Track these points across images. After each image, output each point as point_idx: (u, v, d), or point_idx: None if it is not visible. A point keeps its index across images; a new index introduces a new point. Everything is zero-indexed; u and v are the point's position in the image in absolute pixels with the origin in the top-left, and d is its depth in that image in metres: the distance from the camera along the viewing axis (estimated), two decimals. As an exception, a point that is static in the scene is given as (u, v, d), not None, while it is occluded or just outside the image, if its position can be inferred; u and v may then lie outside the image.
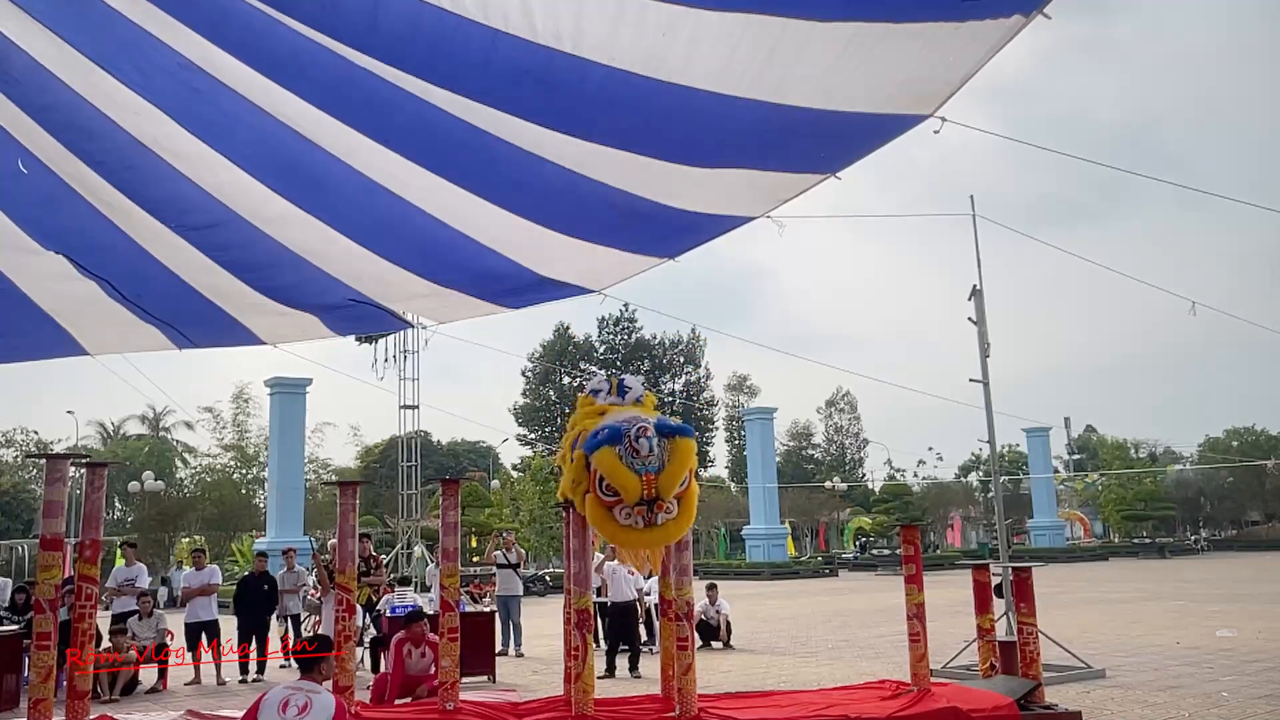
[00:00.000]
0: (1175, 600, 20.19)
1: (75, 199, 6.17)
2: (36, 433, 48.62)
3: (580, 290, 7.14)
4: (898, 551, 12.43)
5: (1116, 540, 55.27)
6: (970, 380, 11.58)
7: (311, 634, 11.73)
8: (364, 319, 7.70)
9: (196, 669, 11.87)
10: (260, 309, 7.37)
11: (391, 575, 15.57)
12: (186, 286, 7.02)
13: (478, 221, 6.16)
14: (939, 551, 47.09)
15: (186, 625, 12.11)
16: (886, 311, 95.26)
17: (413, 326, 8.23)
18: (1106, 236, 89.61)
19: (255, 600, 12.17)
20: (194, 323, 7.61)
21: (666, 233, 6.22)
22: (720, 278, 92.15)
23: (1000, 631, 8.98)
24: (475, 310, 7.55)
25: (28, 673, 7.34)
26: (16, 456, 47.77)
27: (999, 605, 9.55)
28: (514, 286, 7.00)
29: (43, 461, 7.52)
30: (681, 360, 66.65)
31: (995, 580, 9.89)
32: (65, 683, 7.75)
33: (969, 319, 11.57)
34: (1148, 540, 52.61)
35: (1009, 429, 48.57)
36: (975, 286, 11.59)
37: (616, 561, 12.27)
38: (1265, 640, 12.70)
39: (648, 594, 13.09)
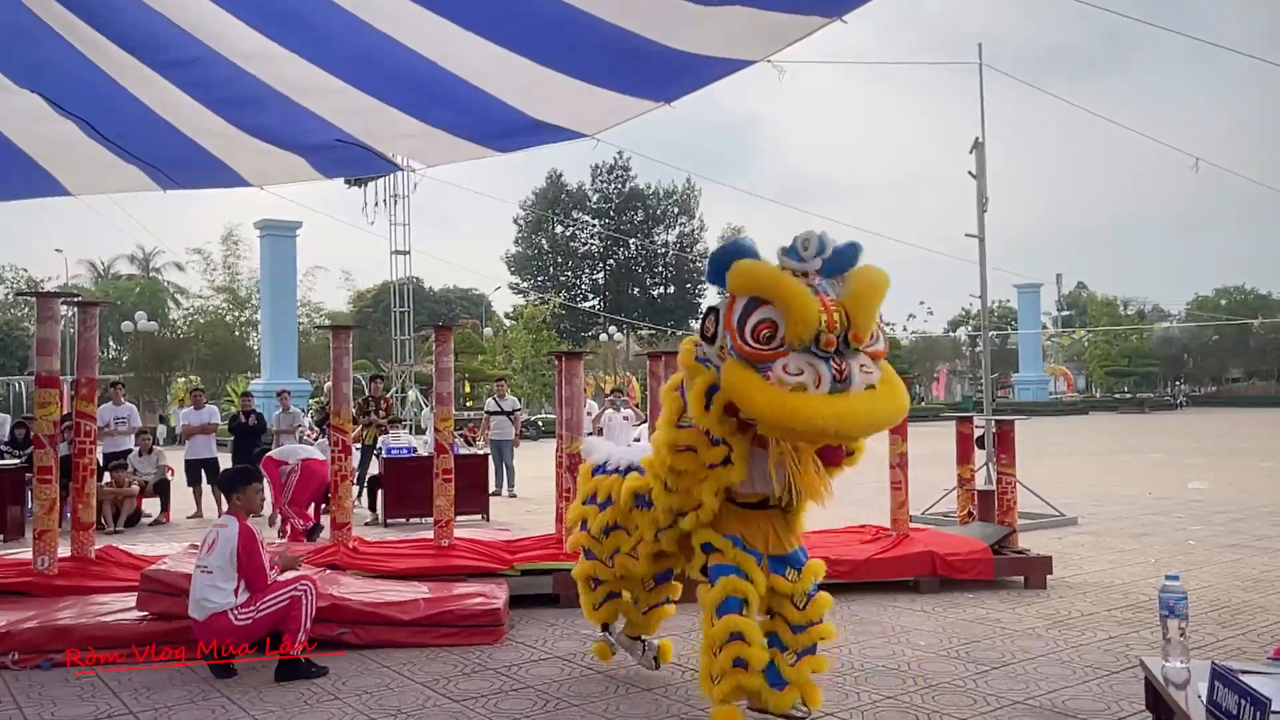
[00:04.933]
0: (1151, 454, 20.75)
1: (49, 34, 5.91)
2: (26, 270, 48.39)
3: (573, 134, 6.95)
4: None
5: (1098, 395, 56.27)
6: (967, 235, 11.52)
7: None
8: (352, 160, 7.52)
9: (198, 503, 12.24)
10: (245, 149, 7.19)
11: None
12: (168, 125, 6.82)
13: (468, 58, 5.93)
14: (924, 404, 47.97)
15: (186, 462, 12.43)
16: (885, 163, 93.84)
17: (401, 169, 8.06)
18: (1114, 91, 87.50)
19: (246, 437, 12.46)
20: (177, 163, 7.43)
21: (663, 75, 6.01)
22: (717, 127, 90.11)
23: (980, 481, 9.25)
24: (465, 153, 7.37)
25: (31, 504, 7.53)
26: (7, 294, 47.68)
27: (980, 456, 9.81)
28: (504, 128, 6.81)
29: (34, 299, 7.51)
30: (675, 211, 65.92)
31: (978, 433, 10.13)
32: (70, 515, 7.99)
33: (969, 172, 11.39)
34: (1129, 395, 53.60)
35: (1001, 284, 48.72)
36: (977, 139, 11.37)
37: (612, 410, 12.55)
38: (1234, 492, 13.14)
39: (637, 440, 13.42)
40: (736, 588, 3.95)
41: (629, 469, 4.66)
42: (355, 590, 6.14)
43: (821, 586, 4.21)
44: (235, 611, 4.99)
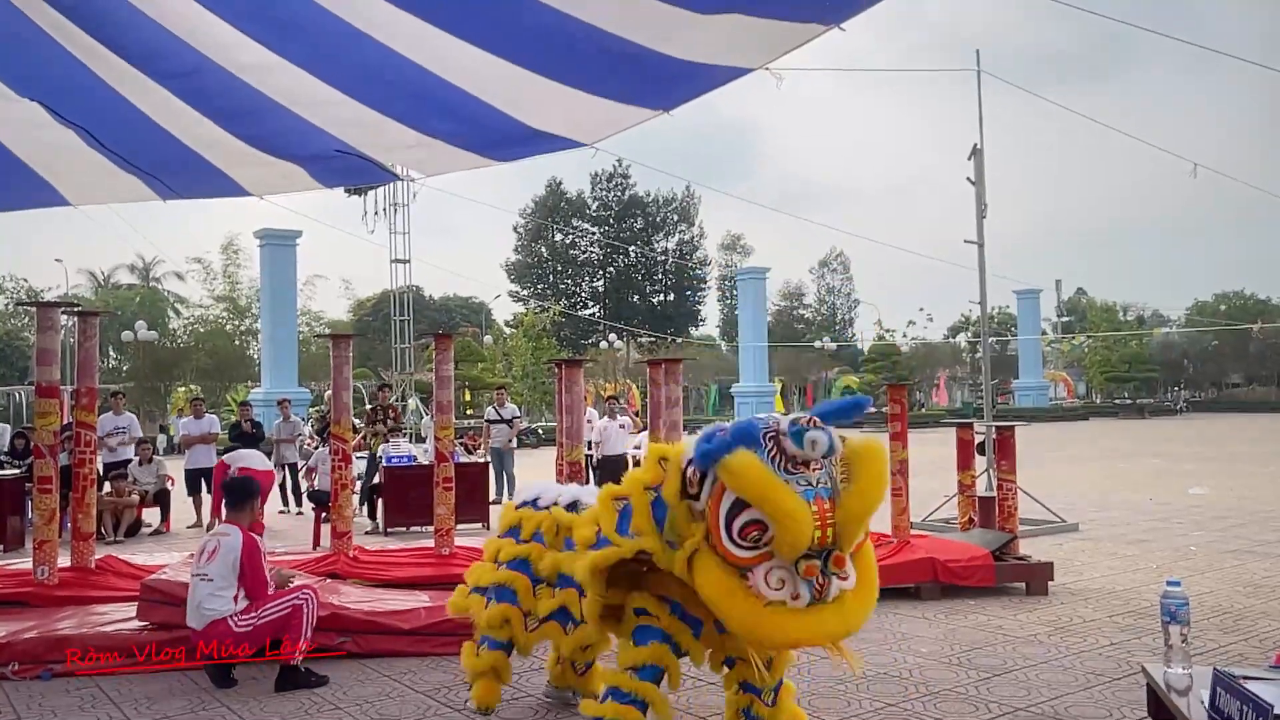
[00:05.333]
0: (1151, 459, 20.73)
1: (49, 42, 5.92)
2: (26, 280, 48.39)
3: (571, 143, 6.96)
4: (884, 410, 12.62)
5: (1098, 401, 56.25)
6: (966, 241, 11.53)
7: (308, 487, 12.01)
8: (351, 170, 7.53)
9: (198, 513, 12.23)
10: (245, 159, 7.20)
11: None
12: (168, 135, 6.83)
13: (466, 68, 5.94)
14: (924, 410, 47.97)
15: (186, 472, 12.42)
16: (884, 168, 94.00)
17: (400, 179, 8.06)
18: (1112, 97, 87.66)
19: (245, 446, 12.39)
20: (177, 172, 7.44)
21: (661, 83, 6.02)
22: (716, 134, 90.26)
23: (980, 487, 9.25)
24: (464, 162, 7.38)
25: (31, 515, 7.53)
26: (7, 304, 47.67)
27: (980, 462, 9.80)
28: (503, 138, 6.81)
29: (34, 309, 7.51)
30: (675, 218, 66.01)
31: (979, 439, 10.12)
32: (70, 525, 7.98)
33: (968, 179, 11.42)
34: (1129, 401, 53.57)
35: (1000, 290, 48.72)
36: (976, 145, 11.39)
37: (609, 419, 12.57)
38: (1235, 497, 13.12)
39: (637, 448, 13.43)
40: (663, 658, 3.77)
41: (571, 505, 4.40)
42: (356, 599, 6.13)
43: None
44: (235, 618, 4.99)
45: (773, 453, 3.32)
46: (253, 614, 5.01)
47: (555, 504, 4.48)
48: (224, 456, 10.84)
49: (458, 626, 5.74)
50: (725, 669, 4.01)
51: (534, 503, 4.60)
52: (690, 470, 3.51)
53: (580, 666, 4.66)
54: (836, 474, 3.39)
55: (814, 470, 3.34)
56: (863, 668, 3.59)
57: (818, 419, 3.40)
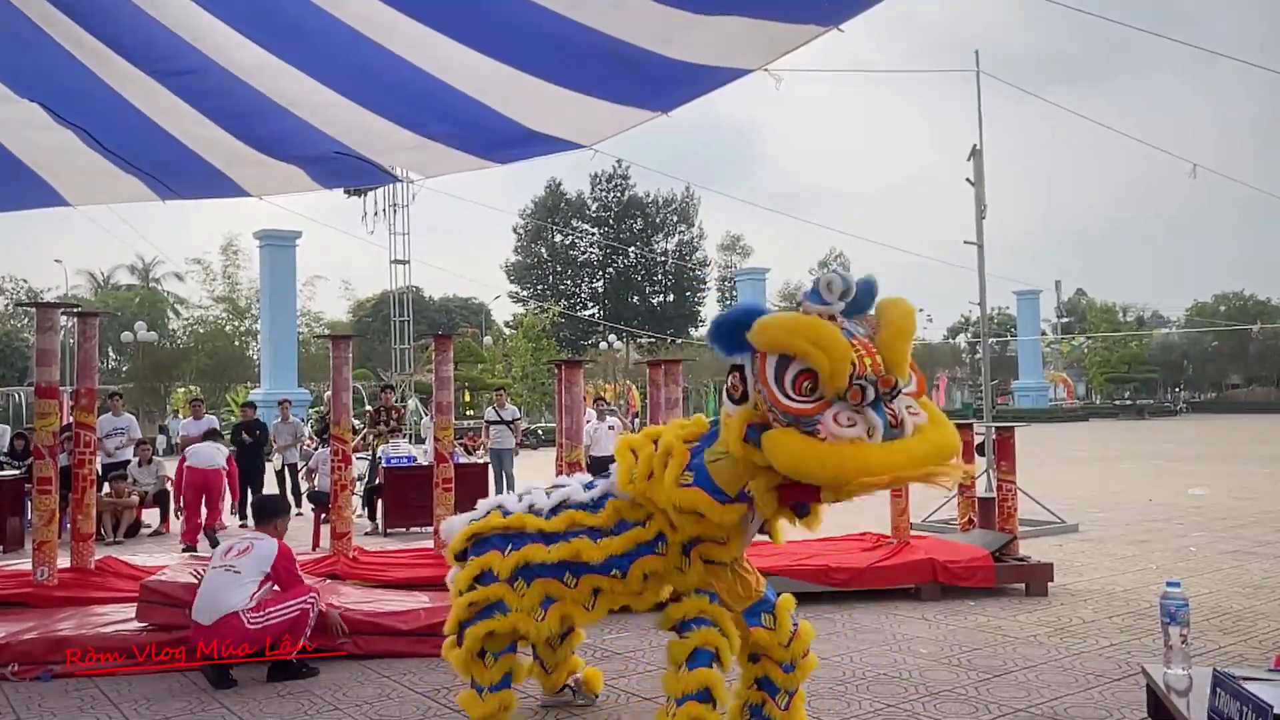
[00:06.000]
0: (1151, 460, 20.74)
1: (48, 43, 5.92)
2: (26, 281, 48.40)
3: (571, 145, 6.96)
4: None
5: (1098, 402, 56.25)
6: (965, 242, 11.53)
7: (308, 488, 12.01)
8: (350, 171, 7.54)
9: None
10: (244, 160, 7.20)
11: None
12: (167, 135, 6.83)
13: (465, 71, 5.94)
14: (924, 411, 47.82)
15: (186, 472, 12.39)
16: (883, 170, 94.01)
17: (400, 180, 8.07)
18: (1111, 98, 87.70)
19: (249, 448, 12.41)
20: (176, 173, 7.45)
21: (660, 84, 6.02)
22: (715, 135, 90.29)
23: (980, 488, 9.25)
24: (463, 164, 7.39)
25: (31, 515, 7.53)
26: (7, 305, 47.68)
27: (980, 463, 9.81)
28: (502, 140, 6.82)
29: (33, 310, 7.51)
30: (675, 219, 65.97)
31: (978, 440, 10.12)
32: (69, 525, 7.98)
33: (967, 179, 11.42)
34: (1128, 402, 53.57)
35: (1000, 291, 48.75)
36: (975, 146, 11.40)
37: (597, 420, 12.57)
38: (1235, 498, 13.12)
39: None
40: (709, 640, 3.77)
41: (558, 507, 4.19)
42: (356, 600, 6.13)
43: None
44: (247, 614, 5.01)
45: (806, 299, 3.40)
46: (262, 613, 5.04)
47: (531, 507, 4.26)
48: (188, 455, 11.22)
49: None
50: (749, 662, 3.99)
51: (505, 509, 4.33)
52: (731, 379, 3.54)
53: (551, 666, 4.65)
54: (869, 325, 3.39)
55: (840, 322, 3.33)
56: (959, 478, 3.50)
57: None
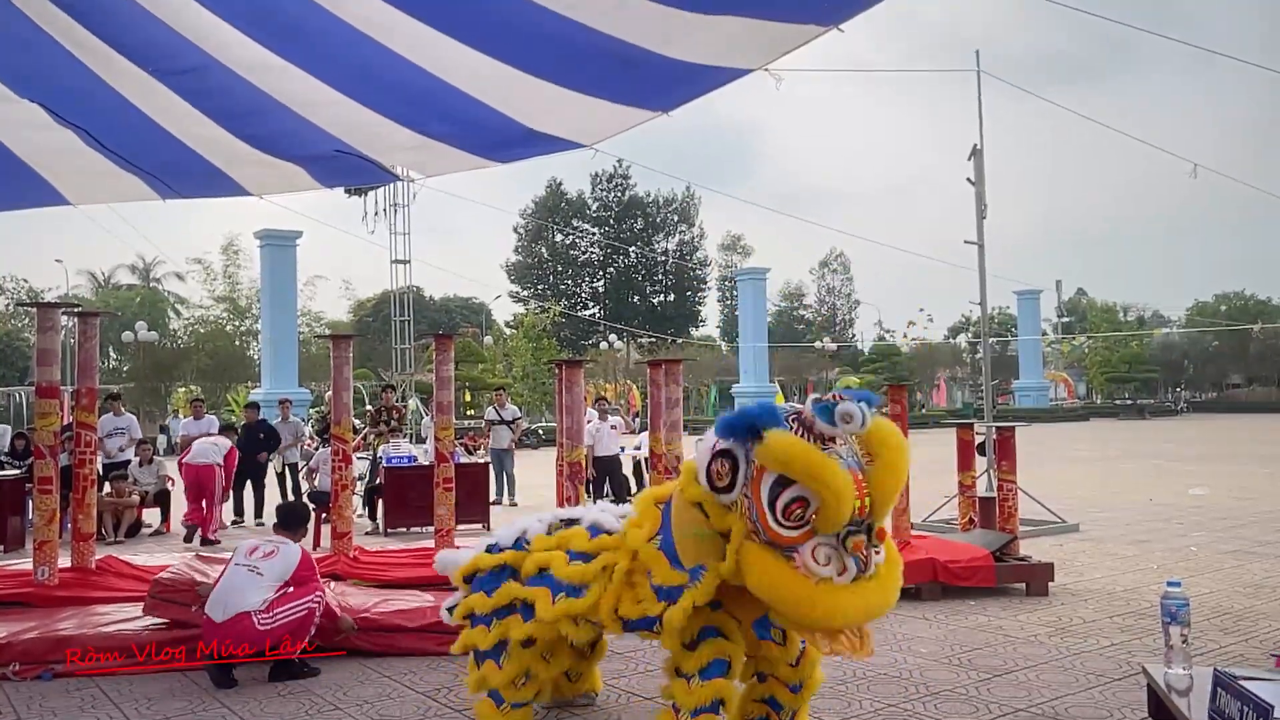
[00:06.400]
0: (1152, 459, 20.74)
1: (49, 43, 5.92)
2: (26, 280, 48.43)
3: (571, 145, 6.96)
4: (884, 410, 12.55)
5: (1099, 401, 56.23)
6: (966, 242, 11.53)
7: (309, 488, 12.01)
8: (351, 171, 7.54)
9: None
10: (245, 159, 7.20)
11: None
12: (168, 134, 6.83)
13: (465, 70, 5.94)
14: (924, 411, 47.95)
15: (186, 472, 12.39)
16: (883, 170, 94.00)
17: (400, 180, 8.07)
18: (1111, 98, 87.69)
19: (252, 448, 12.41)
20: (177, 172, 7.45)
21: (660, 84, 6.02)
22: (715, 135, 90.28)
23: (981, 488, 9.25)
24: (463, 163, 7.39)
25: (32, 515, 7.53)
26: (7, 305, 47.70)
27: (980, 463, 9.80)
28: (503, 139, 6.82)
29: (34, 310, 7.51)
30: (675, 219, 65.99)
31: (979, 439, 10.12)
32: (70, 525, 7.98)
33: (967, 179, 11.42)
34: (1129, 401, 53.55)
35: (1001, 291, 48.72)
36: (975, 146, 11.39)
37: (599, 420, 12.57)
38: (1235, 498, 13.12)
39: (637, 448, 13.46)
40: (723, 650, 3.69)
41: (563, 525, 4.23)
42: (364, 598, 6.13)
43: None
44: (259, 615, 5.03)
45: (798, 434, 3.31)
46: (270, 614, 5.06)
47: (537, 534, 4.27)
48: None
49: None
50: (755, 680, 3.97)
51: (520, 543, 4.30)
52: (716, 465, 3.44)
53: (574, 675, 4.61)
54: (857, 451, 3.36)
55: (840, 445, 3.31)
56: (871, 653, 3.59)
57: (843, 395, 3.38)
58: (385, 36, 5.69)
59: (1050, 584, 7.17)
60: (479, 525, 11.16)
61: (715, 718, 3.61)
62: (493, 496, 12.68)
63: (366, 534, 11.04)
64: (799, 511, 3.27)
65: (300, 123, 6.64)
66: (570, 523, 4.25)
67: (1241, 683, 2.96)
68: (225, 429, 12.21)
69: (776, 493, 3.29)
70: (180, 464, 11.57)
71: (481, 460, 12.89)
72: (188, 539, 10.85)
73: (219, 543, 10.94)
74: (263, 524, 11.73)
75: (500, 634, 4.09)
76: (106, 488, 11.32)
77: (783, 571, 3.28)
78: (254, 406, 13.59)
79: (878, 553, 3.38)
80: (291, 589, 5.20)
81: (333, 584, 6.50)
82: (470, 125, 6.62)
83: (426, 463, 10.95)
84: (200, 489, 11.11)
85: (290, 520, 5.72)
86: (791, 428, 3.32)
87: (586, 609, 3.86)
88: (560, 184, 64.38)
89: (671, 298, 65.71)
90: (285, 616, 5.08)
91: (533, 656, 4.09)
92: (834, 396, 3.38)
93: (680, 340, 53.64)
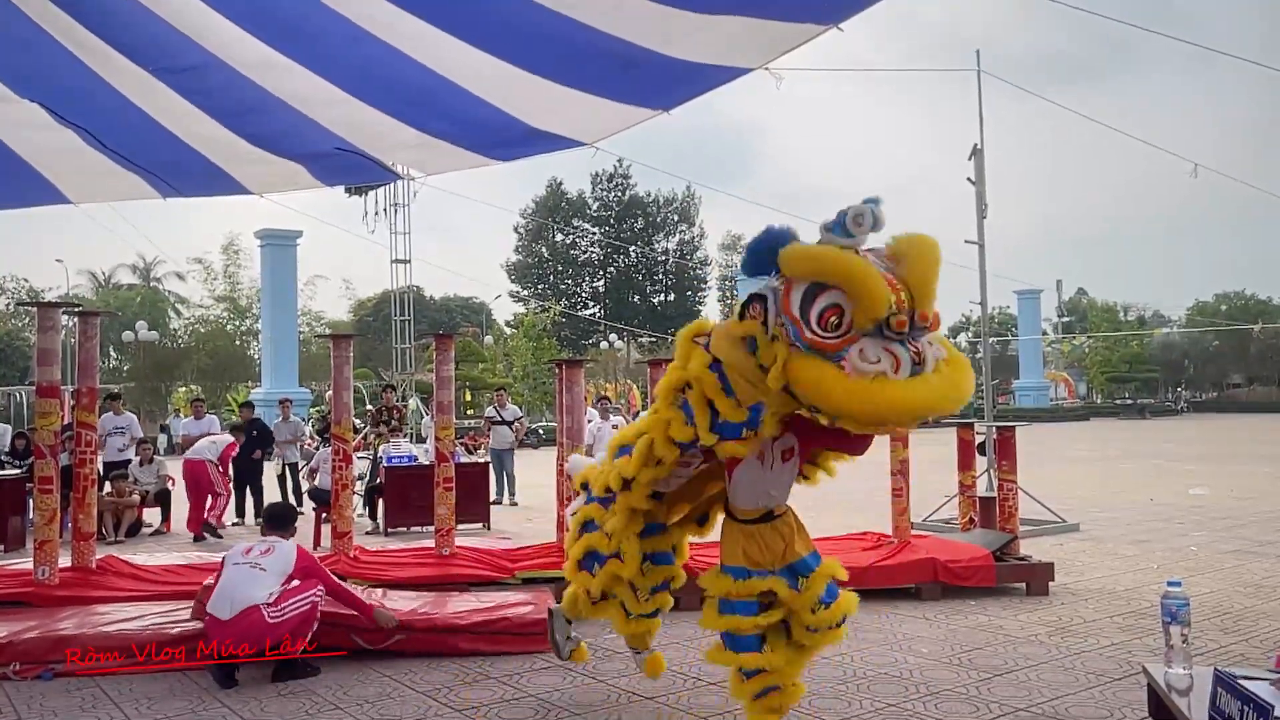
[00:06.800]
0: (1152, 459, 20.73)
1: (49, 42, 5.93)
2: (27, 280, 48.43)
3: (572, 143, 6.97)
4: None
5: (1099, 401, 56.22)
6: (966, 242, 11.51)
7: (309, 487, 12.02)
8: (352, 169, 7.54)
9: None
10: (246, 157, 7.21)
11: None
12: (168, 133, 6.83)
13: (466, 68, 5.95)
14: (924, 410, 47.78)
15: (187, 472, 12.40)
16: (884, 168, 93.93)
17: (401, 178, 8.07)
18: (1111, 98, 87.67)
19: (248, 447, 12.44)
20: (178, 171, 7.45)
21: (661, 83, 6.02)
22: (715, 135, 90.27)
23: (981, 488, 9.24)
24: (464, 162, 7.39)
25: (32, 515, 7.53)
26: (8, 304, 47.69)
27: (981, 462, 9.80)
28: (504, 138, 6.82)
29: (35, 309, 7.51)
30: (675, 219, 65.96)
31: (979, 439, 10.11)
32: (70, 525, 7.99)
33: (968, 179, 11.41)
34: (1129, 401, 53.53)
35: (1001, 290, 48.72)
36: (976, 145, 11.38)
37: (601, 419, 12.58)
38: (1236, 497, 13.12)
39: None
40: (738, 626, 3.79)
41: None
42: (409, 600, 6.14)
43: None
44: (268, 609, 5.04)
45: (835, 226, 3.26)
46: (278, 607, 5.07)
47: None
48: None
49: (514, 625, 5.74)
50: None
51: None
52: (751, 309, 3.41)
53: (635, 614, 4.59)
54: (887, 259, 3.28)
55: (865, 255, 3.24)
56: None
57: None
58: (387, 34, 5.69)
59: (1050, 584, 7.17)
60: (479, 525, 11.17)
61: (767, 679, 3.74)
62: (493, 496, 12.68)
63: (367, 533, 11.04)
64: (834, 319, 3.17)
65: (301, 120, 6.65)
66: None
67: (1242, 682, 2.96)
68: (234, 429, 12.45)
69: (808, 305, 3.20)
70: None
71: (482, 460, 12.89)
72: (198, 539, 10.92)
73: (222, 534, 11.11)
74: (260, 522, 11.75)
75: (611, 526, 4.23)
76: (107, 487, 11.33)
77: (834, 374, 3.15)
78: (248, 406, 13.74)
79: (932, 345, 3.27)
80: (296, 582, 5.21)
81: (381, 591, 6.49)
82: (471, 123, 6.62)
83: (427, 462, 10.95)
84: (196, 485, 11.33)
85: (278, 520, 5.75)
86: (830, 227, 3.27)
87: (645, 448, 3.87)
88: (561, 183, 64.40)
89: (672, 297, 65.69)
90: (294, 609, 5.09)
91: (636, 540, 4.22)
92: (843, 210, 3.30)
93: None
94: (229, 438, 12.08)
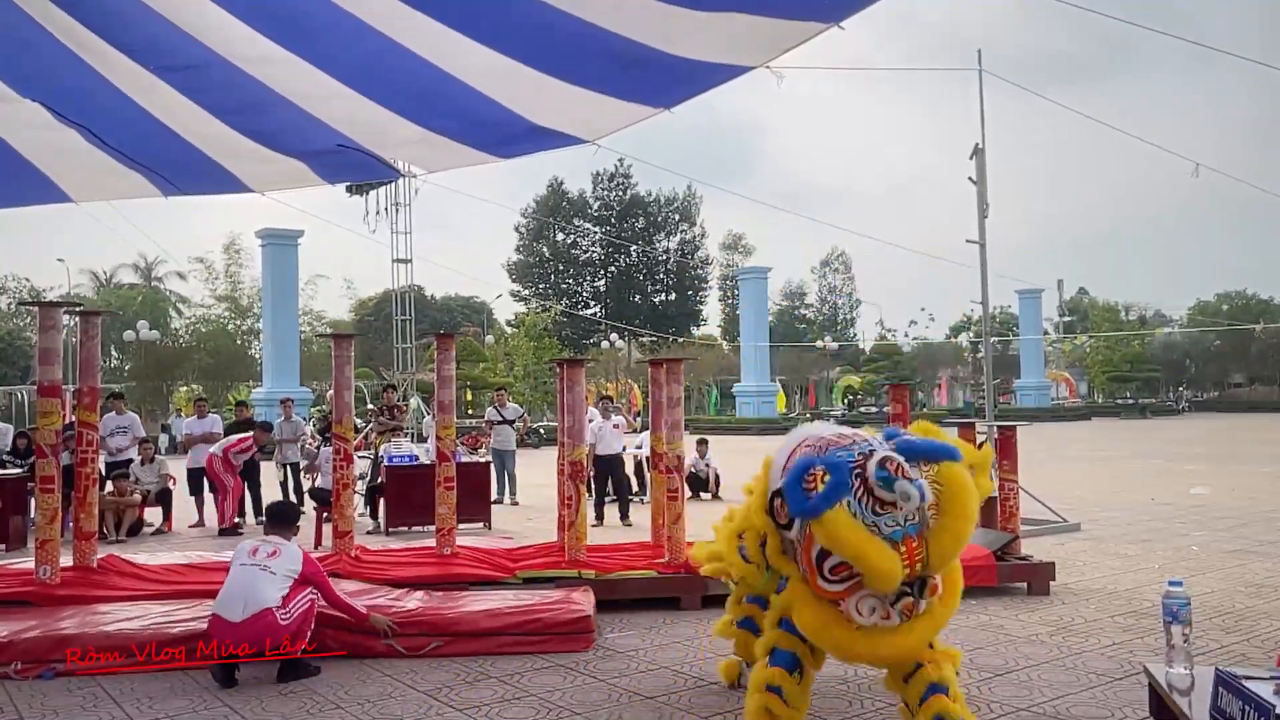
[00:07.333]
0: (1153, 459, 20.72)
1: (51, 42, 5.93)
2: (28, 279, 48.46)
3: (573, 140, 6.97)
4: (885, 409, 12.60)
5: (1100, 401, 56.19)
6: (967, 241, 11.51)
7: (310, 486, 12.02)
8: (353, 166, 7.54)
9: (200, 512, 12.24)
10: (247, 155, 7.21)
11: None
12: (170, 131, 6.84)
13: (470, 64, 5.95)
14: (926, 410, 47.90)
15: (189, 471, 12.42)
16: (886, 167, 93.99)
17: (402, 175, 8.07)
18: (1111, 98, 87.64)
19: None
20: (180, 169, 7.46)
21: (663, 81, 6.03)
22: (717, 133, 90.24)
23: (981, 487, 9.22)
24: (466, 159, 7.39)
25: (34, 514, 7.53)
26: (10, 304, 47.71)
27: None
28: (506, 135, 6.83)
29: (36, 309, 7.51)
30: (676, 218, 65.97)
31: (980, 439, 10.10)
32: (71, 524, 7.98)
33: (969, 178, 11.39)
34: (1130, 401, 53.50)
35: (1002, 290, 48.71)
36: (977, 145, 11.37)
37: (602, 419, 12.57)
38: (1237, 497, 13.11)
39: (639, 448, 13.45)
40: (786, 640, 3.89)
41: None
42: (439, 601, 6.15)
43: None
44: (279, 611, 5.06)
45: (859, 494, 3.43)
46: (286, 608, 5.10)
47: None
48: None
49: (548, 625, 5.74)
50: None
51: None
52: (779, 502, 3.70)
53: None
54: (930, 507, 3.47)
55: (908, 510, 3.42)
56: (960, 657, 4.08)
57: (905, 465, 3.46)
58: (390, 29, 5.69)
59: (1052, 583, 7.16)
60: (480, 524, 11.17)
61: (773, 697, 3.81)
62: (494, 495, 12.68)
63: (368, 533, 11.03)
64: (844, 573, 3.49)
65: (303, 117, 6.65)
66: None
67: (1243, 682, 2.96)
68: (262, 426, 12.78)
69: (825, 555, 3.51)
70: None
71: (483, 459, 12.88)
72: (226, 531, 11.30)
73: (239, 530, 11.23)
74: (263, 521, 11.75)
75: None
76: (108, 487, 11.33)
77: (828, 620, 3.61)
78: (244, 405, 13.91)
79: (929, 596, 3.57)
80: (313, 593, 5.28)
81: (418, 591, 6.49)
82: (473, 119, 6.63)
83: (428, 462, 10.95)
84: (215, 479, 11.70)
85: (281, 520, 5.73)
86: (854, 484, 3.42)
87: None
88: (561, 183, 64.41)
89: (673, 297, 65.71)
90: (296, 610, 5.14)
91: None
92: (895, 468, 3.43)
93: (681, 339, 53.63)
94: (219, 433, 12.47)
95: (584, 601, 6.08)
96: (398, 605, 5.98)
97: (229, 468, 11.66)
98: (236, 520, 11.62)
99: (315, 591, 5.28)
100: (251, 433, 12.12)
